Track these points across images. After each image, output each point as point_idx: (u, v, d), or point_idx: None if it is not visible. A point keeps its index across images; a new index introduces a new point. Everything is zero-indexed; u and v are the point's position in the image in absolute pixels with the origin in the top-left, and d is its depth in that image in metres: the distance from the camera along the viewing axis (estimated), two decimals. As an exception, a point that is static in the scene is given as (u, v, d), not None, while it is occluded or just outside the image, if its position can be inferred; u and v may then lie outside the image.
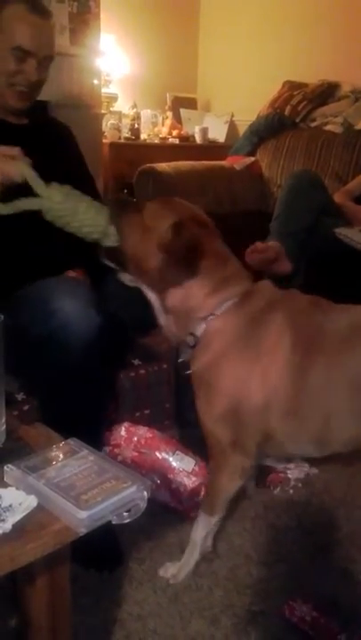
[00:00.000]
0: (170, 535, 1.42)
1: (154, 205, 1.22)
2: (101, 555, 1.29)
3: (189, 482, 1.46)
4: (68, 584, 0.84)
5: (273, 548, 1.40)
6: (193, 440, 1.64)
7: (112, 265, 1.27)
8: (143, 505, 0.65)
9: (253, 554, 1.38)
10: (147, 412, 1.72)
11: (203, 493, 1.41)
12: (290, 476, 1.63)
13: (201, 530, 1.28)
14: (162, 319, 1.23)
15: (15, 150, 1.26)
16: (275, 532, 1.45)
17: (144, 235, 1.18)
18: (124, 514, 0.65)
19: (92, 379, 1.28)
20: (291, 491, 1.61)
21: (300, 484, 1.63)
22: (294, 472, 1.64)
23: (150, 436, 1.54)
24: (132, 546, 1.37)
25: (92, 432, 1.30)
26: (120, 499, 0.65)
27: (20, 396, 1.41)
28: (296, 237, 2.19)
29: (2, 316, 0.77)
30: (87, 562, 1.27)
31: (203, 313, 1.16)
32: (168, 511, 1.47)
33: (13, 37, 1.39)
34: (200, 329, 1.17)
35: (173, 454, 1.50)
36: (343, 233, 2.21)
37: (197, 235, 1.15)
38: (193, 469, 1.48)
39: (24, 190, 1.24)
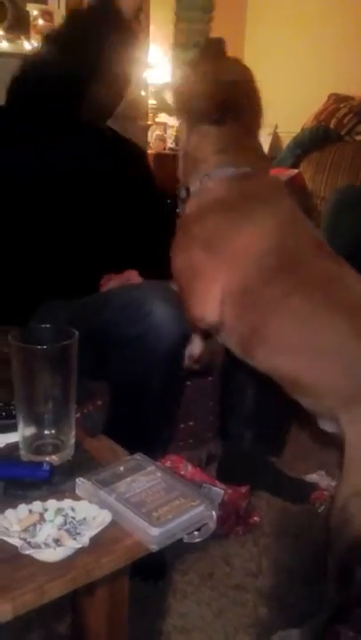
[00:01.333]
0: (213, 547, 1.42)
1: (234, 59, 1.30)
2: (147, 565, 1.30)
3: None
4: (127, 596, 0.85)
5: (318, 566, 1.39)
6: (234, 455, 1.67)
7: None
8: (213, 525, 0.66)
9: (297, 572, 1.37)
10: (191, 423, 1.73)
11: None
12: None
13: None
14: (180, 161, 1.29)
15: None
16: (318, 550, 1.44)
17: (212, 67, 1.25)
18: (195, 533, 0.66)
19: (173, 385, 1.31)
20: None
21: (344, 503, 1.62)
22: (339, 490, 1.63)
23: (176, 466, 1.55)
24: (176, 558, 1.38)
25: (162, 439, 1.35)
26: (190, 517, 0.66)
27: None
28: (342, 252, 2.17)
29: (76, 333, 0.79)
30: (133, 571, 1.28)
31: (202, 168, 1.22)
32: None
33: None
34: (195, 185, 1.22)
35: (200, 488, 1.50)
36: (390, 249, 2.19)
37: (246, 103, 1.22)
38: (222, 500, 1.48)
39: None
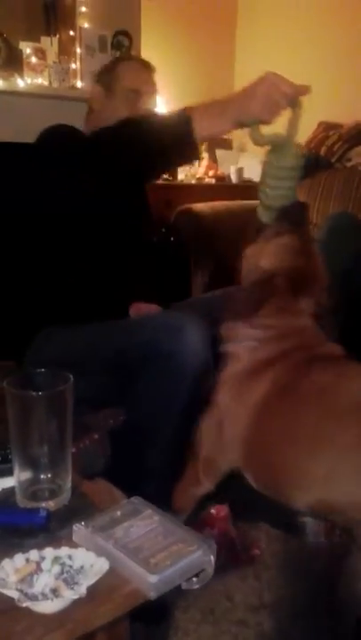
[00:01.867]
0: (214, 583, 1.40)
1: (282, 240, 1.28)
2: (149, 610, 1.29)
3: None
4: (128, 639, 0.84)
5: (319, 599, 1.37)
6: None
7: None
8: (211, 570, 0.66)
9: (300, 605, 1.36)
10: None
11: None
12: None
13: None
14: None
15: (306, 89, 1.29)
16: (320, 583, 1.42)
17: (259, 252, 1.28)
18: (194, 579, 0.65)
19: (197, 405, 1.30)
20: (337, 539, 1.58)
21: (345, 533, 1.60)
22: (340, 520, 1.61)
23: None
24: (177, 594, 1.36)
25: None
26: (188, 563, 0.66)
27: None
28: (336, 279, 2.19)
29: (71, 377, 0.80)
30: (134, 615, 1.26)
31: (231, 340, 1.25)
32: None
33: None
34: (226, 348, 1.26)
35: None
36: (383, 274, 2.21)
37: (272, 291, 1.22)
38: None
39: None
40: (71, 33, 2.90)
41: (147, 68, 1.72)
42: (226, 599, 1.37)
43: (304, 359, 1.20)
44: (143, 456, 1.31)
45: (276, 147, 1.30)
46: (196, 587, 0.66)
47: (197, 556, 0.66)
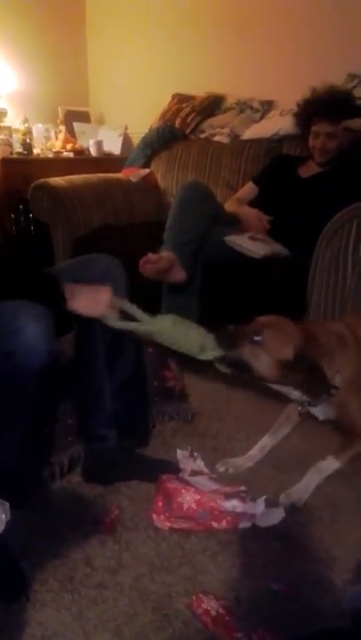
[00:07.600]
0: (75, 551, 1.41)
1: (271, 334, 1.53)
2: (5, 587, 1.27)
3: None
4: None
5: (176, 552, 1.43)
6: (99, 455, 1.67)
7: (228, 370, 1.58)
8: (1, 527, 0.66)
9: (157, 560, 1.40)
10: (46, 430, 1.70)
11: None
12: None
13: (326, 469, 1.64)
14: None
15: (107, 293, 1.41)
16: (177, 537, 1.48)
17: (270, 359, 1.53)
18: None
19: (44, 400, 1.32)
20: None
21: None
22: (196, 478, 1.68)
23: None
24: (36, 567, 1.35)
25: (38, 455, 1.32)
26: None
27: None
28: (189, 246, 2.24)
29: None
30: None
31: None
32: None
33: None
34: (338, 382, 1.60)
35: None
36: (233, 240, 2.29)
37: (314, 354, 1.55)
38: None
39: None
40: None
41: None
42: (85, 565, 1.38)
43: None
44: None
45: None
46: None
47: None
